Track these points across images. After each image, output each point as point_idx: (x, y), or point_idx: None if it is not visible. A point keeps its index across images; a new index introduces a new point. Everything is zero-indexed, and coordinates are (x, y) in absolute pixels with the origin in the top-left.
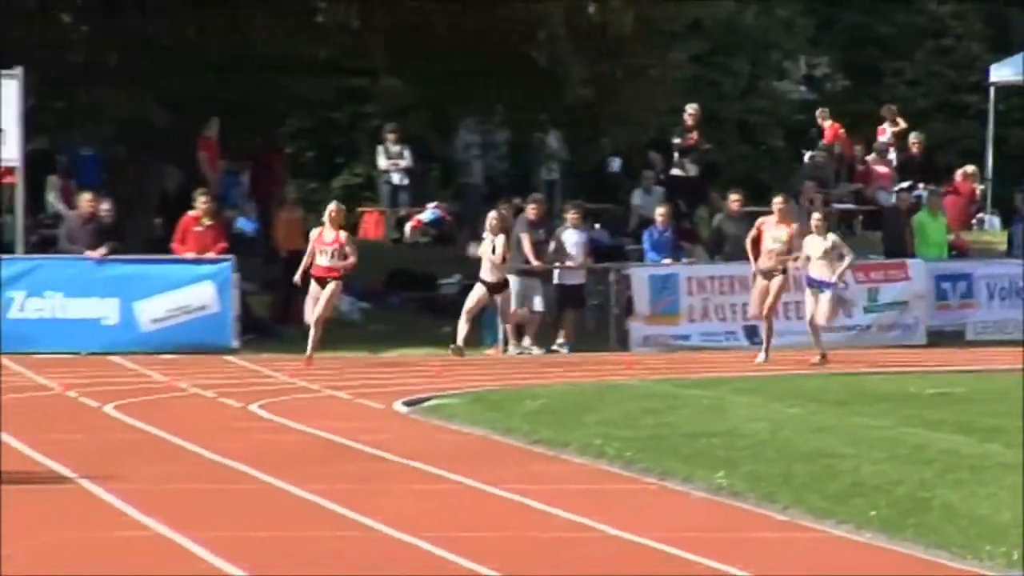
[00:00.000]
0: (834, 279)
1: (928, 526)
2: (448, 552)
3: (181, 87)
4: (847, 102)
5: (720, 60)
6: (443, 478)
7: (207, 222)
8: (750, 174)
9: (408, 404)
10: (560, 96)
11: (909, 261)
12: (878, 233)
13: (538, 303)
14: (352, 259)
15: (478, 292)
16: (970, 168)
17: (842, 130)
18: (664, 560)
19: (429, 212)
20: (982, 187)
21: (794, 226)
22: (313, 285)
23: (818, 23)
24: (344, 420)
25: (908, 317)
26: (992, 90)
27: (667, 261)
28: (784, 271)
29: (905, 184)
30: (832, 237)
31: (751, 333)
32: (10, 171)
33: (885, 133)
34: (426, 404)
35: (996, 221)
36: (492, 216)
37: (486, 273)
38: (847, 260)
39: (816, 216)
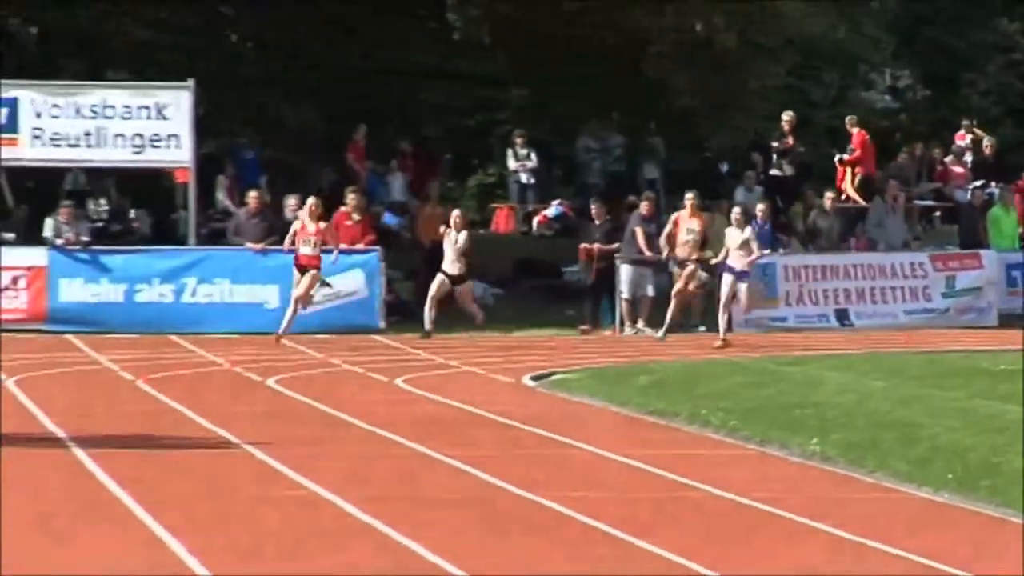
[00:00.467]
0: (748, 269)
1: (999, 488)
2: (571, 510)
3: (334, 97)
4: (927, 110)
5: (813, 72)
6: (565, 444)
7: (356, 217)
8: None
9: (535, 379)
10: (667, 104)
11: (983, 251)
12: (955, 226)
13: (650, 289)
14: (335, 252)
15: (438, 281)
16: None
17: (867, 136)
18: (764, 518)
19: (553, 208)
20: None
21: (706, 217)
22: (295, 271)
23: (901, 39)
24: (479, 393)
25: (982, 301)
26: None
27: (767, 252)
28: (697, 260)
29: (979, 183)
30: (748, 231)
31: (841, 316)
32: (184, 171)
33: (964, 139)
34: (551, 379)
35: None
36: (455, 215)
37: (448, 265)
38: (755, 254)
39: (736, 211)
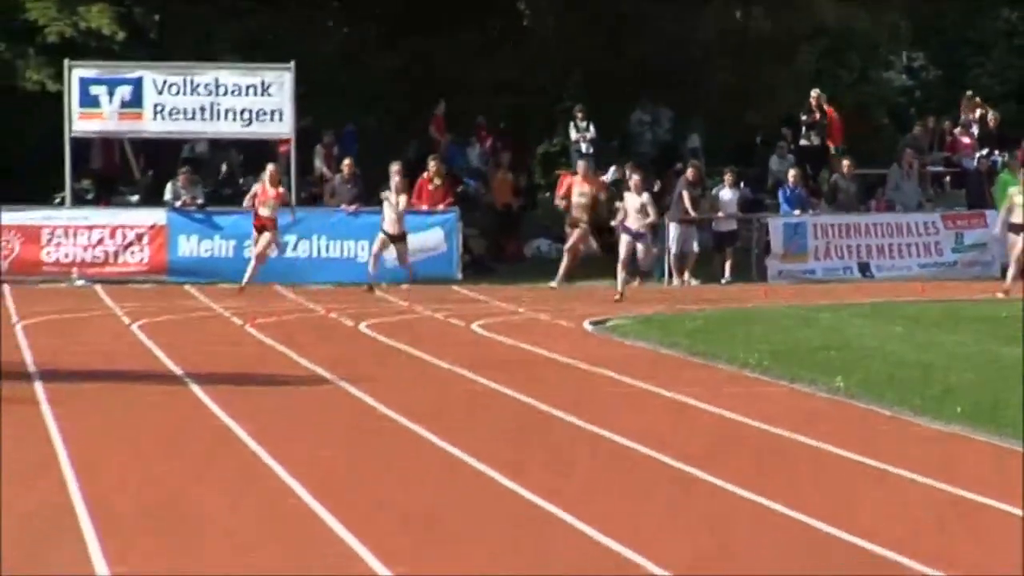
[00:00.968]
0: (644, 230)
1: (1003, 421)
2: (626, 440)
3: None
4: (939, 89)
5: (838, 55)
6: (621, 382)
7: (437, 182)
8: (863, 144)
9: (593, 324)
10: (711, 83)
11: (987, 212)
12: (962, 190)
13: (695, 245)
14: (291, 215)
15: (379, 239)
16: None
17: (835, 113)
18: (794, 446)
19: (610, 174)
20: None
21: (596, 182)
22: (254, 231)
23: (917, 26)
24: (544, 337)
25: (986, 256)
26: None
27: (797, 212)
28: (587, 222)
29: (984, 152)
30: (646, 196)
31: (863, 268)
32: (286, 142)
33: (974, 113)
34: (607, 324)
35: None
36: (397, 179)
37: (388, 225)
38: (652, 218)
39: (635, 178)
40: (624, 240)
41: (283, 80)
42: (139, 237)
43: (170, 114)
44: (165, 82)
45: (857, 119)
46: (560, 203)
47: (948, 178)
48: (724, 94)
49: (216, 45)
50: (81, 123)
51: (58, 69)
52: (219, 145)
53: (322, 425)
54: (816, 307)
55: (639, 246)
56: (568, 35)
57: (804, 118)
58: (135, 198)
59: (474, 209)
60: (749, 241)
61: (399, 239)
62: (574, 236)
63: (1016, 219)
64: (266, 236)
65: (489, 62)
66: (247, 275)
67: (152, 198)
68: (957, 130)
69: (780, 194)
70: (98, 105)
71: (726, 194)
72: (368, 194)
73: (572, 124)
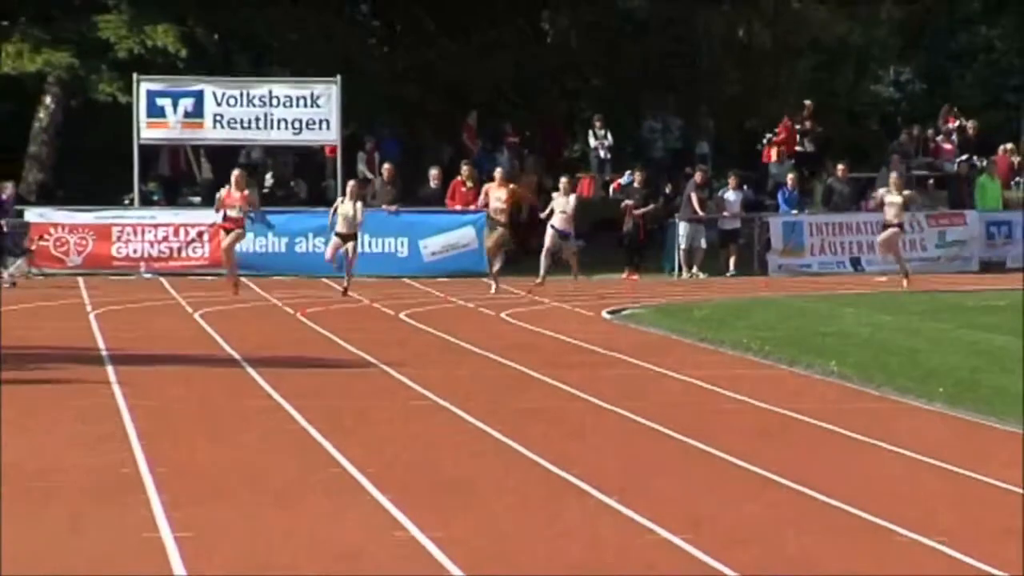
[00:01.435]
0: (569, 230)
1: (980, 400)
2: (642, 418)
3: (451, 88)
4: (924, 99)
5: (833, 67)
6: (637, 365)
7: (469, 184)
8: (855, 149)
9: (611, 313)
10: (716, 94)
11: (966, 212)
12: (944, 192)
13: (703, 242)
14: (254, 210)
15: (334, 240)
16: (1009, 146)
17: (791, 124)
18: (792, 423)
19: (625, 177)
20: (1018, 159)
21: (511, 188)
22: (222, 232)
23: (903, 43)
24: (566, 324)
25: (966, 252)
26: None
27: (795, 212)
28: (505, 224)
29: (964, 157)
30: (573, 199)
31: (855, 262)
32: (332, 149)
33: (952, 122)
34: (623, 313)
35: None
36: (351, 184)
37: (340, 227)
38: (569, 214)
39: (563, 180)
40: (550, 234)
41: (330, 92)
42: (200, 234)
43: (228, 123)
44: (224, 94)
45: (849, 125)
46: (482, 209)
47: (931, 181)
48: (729, 103)
49: (269, 61)
50: (148, 131)
51: (128, 83)
52: (272, 151)
53: (365, 403)
54: (812, 298)
55: (562, 244)
56: (586, 51)
57: (797, 126)
58: (197, 199)
59: None
60: (751, 238)
61: (351, 238)
62: (491, 238)
63: (890, 218)
64: (233, 234)
65: (516, 77)
66: (228, 270)
67: (212, 199)
68: (939, 137)
69: (779, 195)
70: (164, 115)
71: (730, 195)
72: (406, 195)
73: (591, 132)
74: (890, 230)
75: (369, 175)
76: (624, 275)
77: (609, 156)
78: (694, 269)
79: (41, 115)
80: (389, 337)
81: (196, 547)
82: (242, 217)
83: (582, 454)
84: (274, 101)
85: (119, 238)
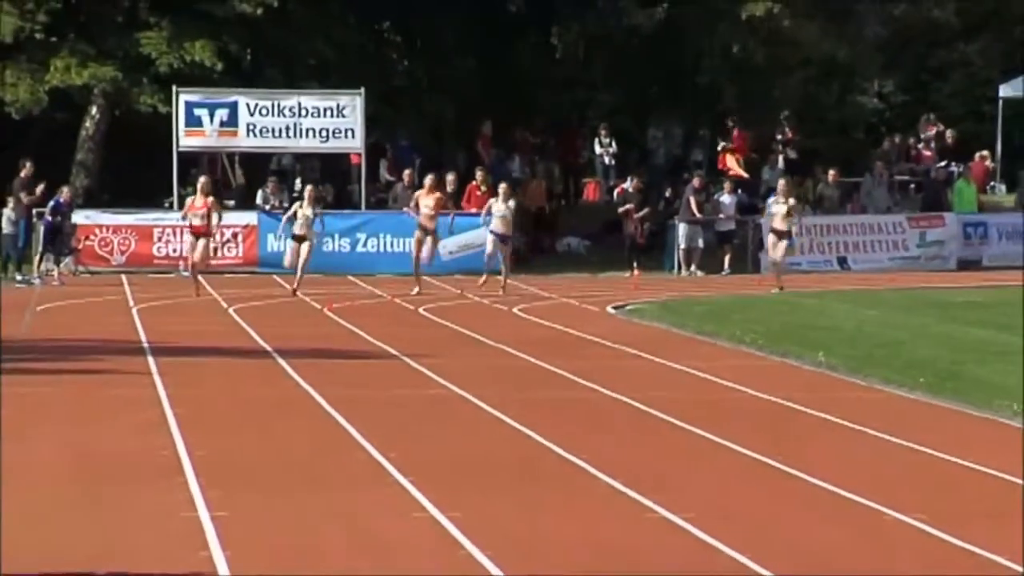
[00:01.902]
0: (508, 234)
1: (959, 389)
2: (645, 406)
3: (467, 99)
4: (905, 110)
5: (822, 82)
6: (640, 356)
7: (483, 189)
8: (843, 156)
9: (615, 308)
10: (714, 105)
11: (945, 214)
12: (924, 195)
13: (700, 242)
14: (217, 219)
15: (291, 244)
16: (985, 153)
17: (740, 132)
18: (783, 410)
19: (628, 182)
20: (993, 165)
21: (438, 196)
22: (191, 238)
23: (887, 59)
24: (574, 319)
25: (945, 251)
26: (1000, 102)
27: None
28: (432, 231)
29: (942, 163)
30: (512, 204)
31: (842, 261)
32: (357, 156)
33: (931, 130)
34: (627, 308)
35: (1003, 188)
36: (309, 190)
37: (298, 228)
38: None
39: (503, 187)
40: (490, 239)
41: (355, 103)
42: (235, 235)
43: (260, 132)
44: (256, 105)
45: (838, 134)
46: (411, 214)
47: (912, 185)
48: (725, 113)
49: (298, 74)
50: (187, 140)
51: (168, 95)
52: (301, 158)
53: (387, 392)
54: (802, 294)
55: (502, 246)
56: (593, 65)
57: (779, 137)
58: (231, 202)
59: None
60: (746, 239)
61: (305, 239)
62: (416, 243)
63: (776, 225)
64: (202, 242)
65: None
66: (194, 279)
67: (246, 202)
68: (920, 145)
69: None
70: (201, 124)
71: (726, 199)
72: None
73: (597, 140)
74: (782, 243)
75: (391, 180)
76: (628, 274)
77: (614, 163)
78: (693, 267)
79: (87, 125)
80: (409, 330)
81: (231, 526)
82: (207, 224)
83: (591, 440)
84: (303, 111)
85: (159, 238)
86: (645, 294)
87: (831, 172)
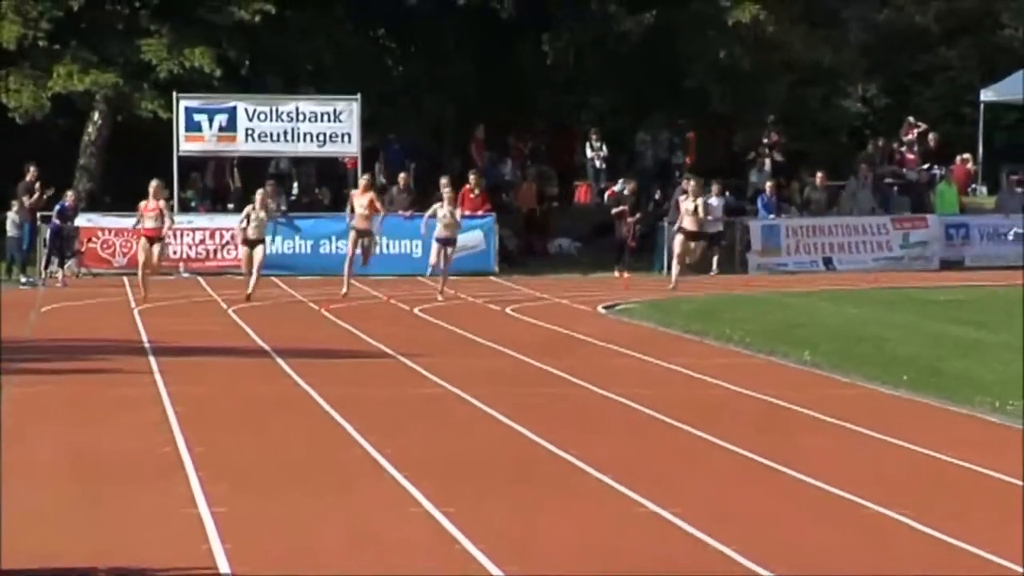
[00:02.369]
0: (453, 238)
1: (941, 385)
2: (634, 403)
3: (461, 104)
4: (888, 113)
5: (807, 85)
6: (630, 355)
7: (477, 192)
8: (828, 159)
9: (606, 308)
10: (702, 109)
11: (928, 216)
12: (907, 197)
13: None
14: (169, 222)
15: (243, 250)
16: (967, 155)
17: (693, 135)
18: (770, 407)
19: (619, 184)
20: (974, 168)
21: (372, 196)
22: (143, 240)
23: (871, 64)
24: (565, 318)
25: (928, 252)
26: (981, 106)
27: (772, 216)
28: (366, 230)
29: (925, 166)
30: (458, 212)
31: (827, 262)
32: (353, 160)
33: (913, 133)
34: (617, 308)
35: (984, 190)
36: (260, 192)
37: (251, 232)
38: (459, 222)
39: (447, 192)
40: (435, 247)
41: (351, 109)
42: (233, 237)
43: (259, 137)
44: (255, 110)
45: (822, 137)
46: (349, 216)
47: (896, 188)
48: (712, 118)
49: (296, 80)
50: (187, 144)
51: (168, 100)
52: (298, 162)
53: (383, 390)
54: (788, 294)
55: (447, 250)
56: (584, 71)
57: (764, 140)
58: (231, 206)
59: (508, 213)
60: (733, 240)
61: (259, 243)
62: (351, 243)
63: (686, 225)
64: (157, 246)
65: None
66: (142, 287)
67: (245, 206)
68: (903, 148)
69: (759, 201)
70: (200, 129)
71: (714, 201)
72: (420, 201)
73: (588, 144)
74: (692, 243)
75: (385, 184)
76: (616, 274)
77: (604, 166)
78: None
79: (90, 130)
80: (405, 330)
81: (230, 521)
82: (159, 227)
83: (583, 437)
84: (300, 116)
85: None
86: (635, 294)
87: (819, 175)
